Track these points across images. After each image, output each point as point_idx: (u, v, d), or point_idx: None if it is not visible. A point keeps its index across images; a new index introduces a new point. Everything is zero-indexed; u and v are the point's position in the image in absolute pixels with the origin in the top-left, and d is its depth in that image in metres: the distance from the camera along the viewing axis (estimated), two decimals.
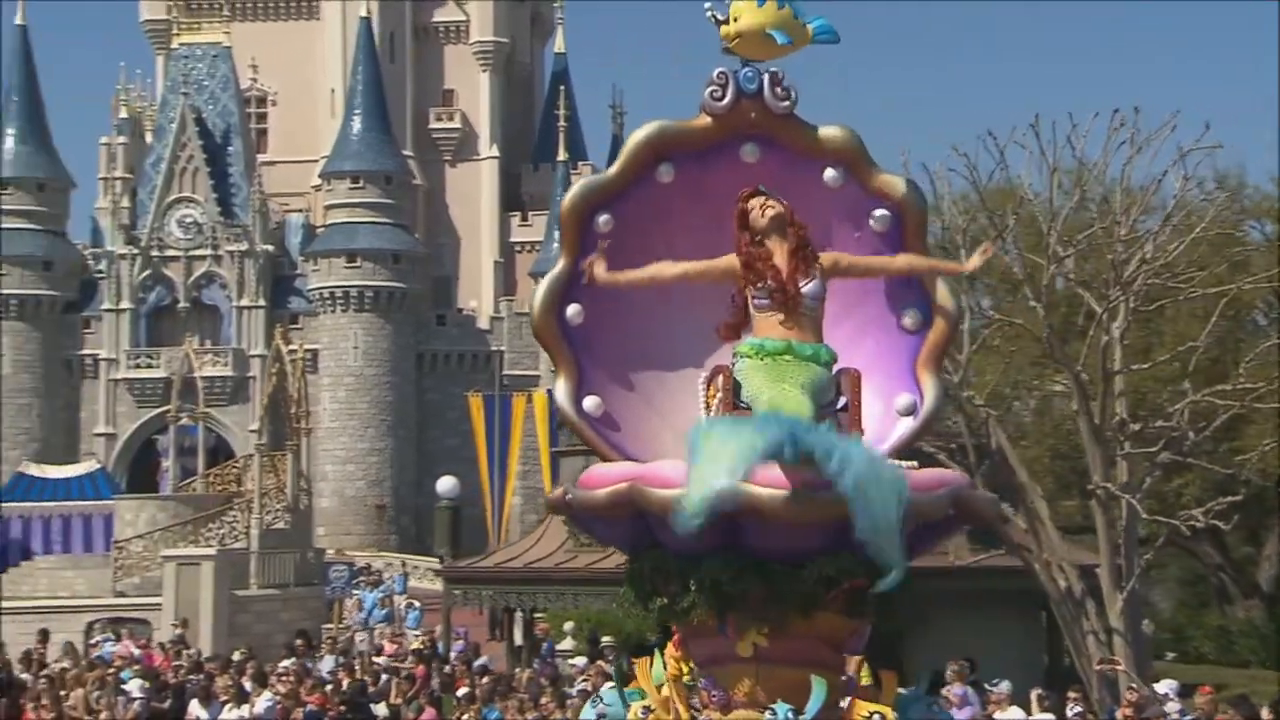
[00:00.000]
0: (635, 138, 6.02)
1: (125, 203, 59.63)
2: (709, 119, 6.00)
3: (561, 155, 60.82)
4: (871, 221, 6.07)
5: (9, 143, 59.86)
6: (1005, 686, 15.34)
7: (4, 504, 46.85)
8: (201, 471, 45.67)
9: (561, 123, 63.99)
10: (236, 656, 25.41)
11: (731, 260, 5.70)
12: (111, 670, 23.18)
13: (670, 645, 5.86)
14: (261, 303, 58.46)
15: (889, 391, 6.01)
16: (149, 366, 58.00)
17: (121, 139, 62.19)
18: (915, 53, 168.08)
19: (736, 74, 5.96)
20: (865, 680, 17.77)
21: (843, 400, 5.53)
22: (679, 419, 5.87)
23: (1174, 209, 18.68)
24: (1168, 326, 26.22)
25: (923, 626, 21.03)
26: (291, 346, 41.86)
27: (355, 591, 35.32)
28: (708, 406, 5.55)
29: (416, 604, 34.30)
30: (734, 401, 5.42)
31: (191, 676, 21.93)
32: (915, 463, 5.63)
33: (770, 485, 5.03)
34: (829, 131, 6.08)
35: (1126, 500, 17.44)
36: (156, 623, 35.26)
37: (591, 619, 24.54)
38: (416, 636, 29.34)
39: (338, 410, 57.64)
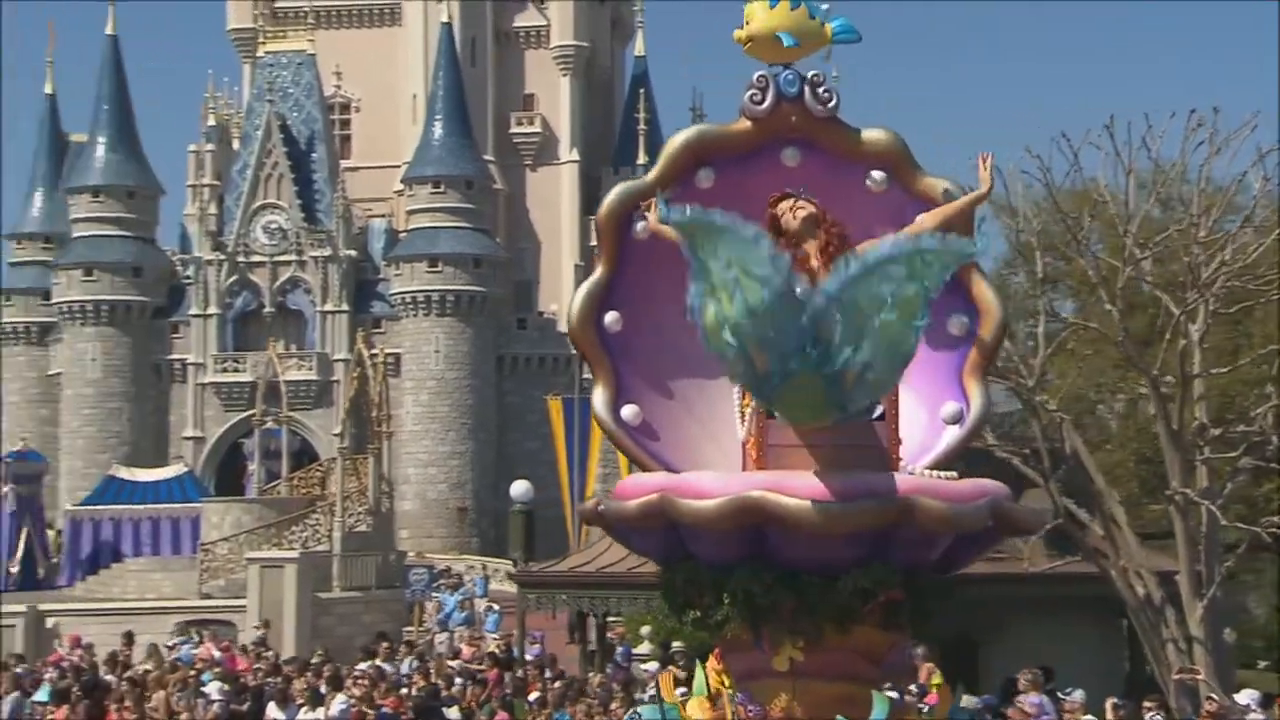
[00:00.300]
0: (674, 142, 5.95)
1: (213, 209, 60.38)
2: (749, 123, 5.92)
3: (641, 159, 60.77)
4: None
5: (100, 151, 60.74)
6: (1079, 695, 15.05)
7: (95, 507, 47.64)
8: (285, 475, 46.13)
9: (641, 126, 63.96)
10: (315, 659, 25.64)
11: None
12: (193, 672, 23.45)
13: (712, 658, 5.77)
14: (345, 307, 58.94)
15: (935, 400, 5.90)
16: (235, 371, 58.68)
17: (209, 146, 62.98)
18: (988, 53, 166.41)
19: (777, 77, 5.88)
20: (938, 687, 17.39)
21: (879, 409, 5.42)
22: (719, 427, 5.79)
23: (1254, 210, 18.27)
24: (1256, 329, 25.65)
25: (998, 633, 20.74)
26: (373, 351, 42.14)
27: (435, 594, 35.49)
28: (743, 415, 5.46)
29: (496, 607, 34.41)
30: (767, 410, 5.33)
31: (269, 679, 22.12)
32: (955, 473, 5.50)
33: (797, 496, 4.93)
34: (872, 134, 5.97)
35: (1206, 506, 17.07)
36: (241, 625, 35.68)
37: (668, 624, 24.45)
38: (495, 640, 29.43)
39: (420, 414, 57.99)
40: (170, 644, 28.61)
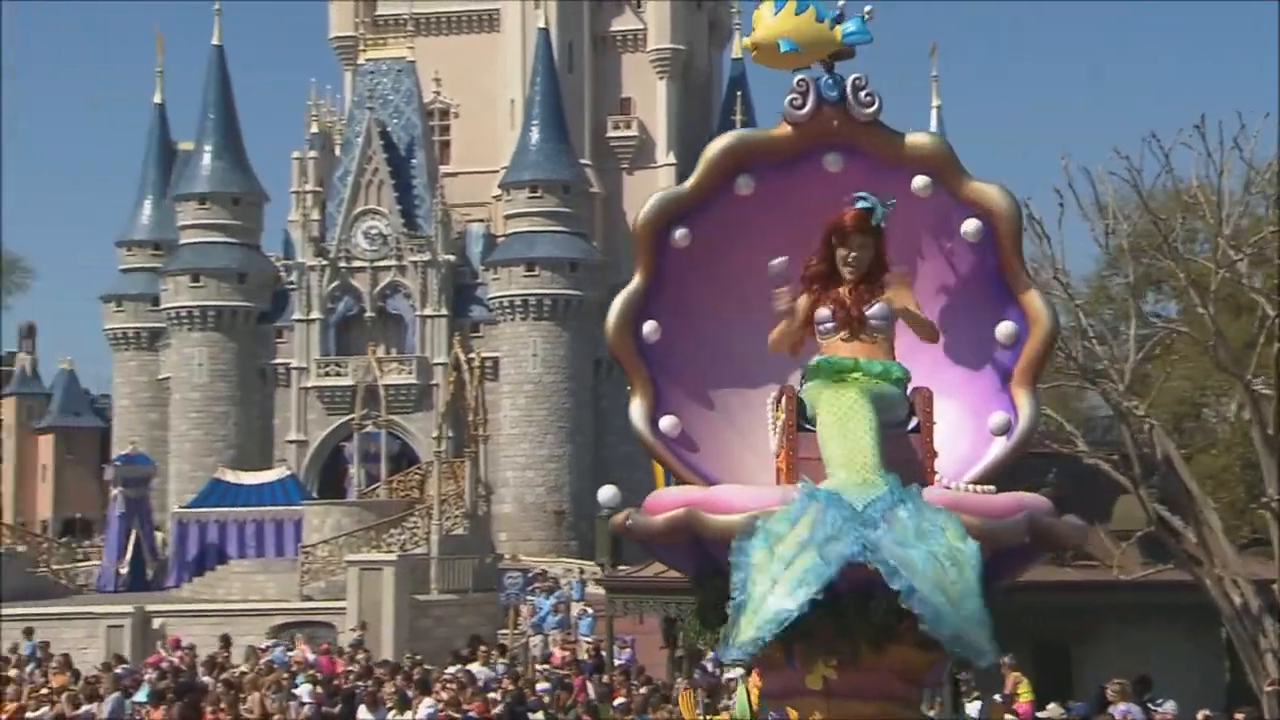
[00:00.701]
0: (712, 148, 5.82)
1: (315, 215, 61.16)
2: (791, 128, 5.79)
3: None
4: (963, 232, 5.79)
5: (206, 159, 61.82)
6: (1170, 706, 14.74)
7: (201, 509, 48.41)
8: (384, 478, 46.64)
9: (738, 128, 63.70)
10: (406, 661, 25.83)
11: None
12: (286, 675, 23.72)
13: (753, 675, 5.66)
14: (444, 312, 59.41)
15: (982, 410, 5.72)
16: (337, 375, 59.37)
17: (312, 153, 63.81)
18: (1073, 53, 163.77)
19: (818, 81, 5.74)
20: (1026, 697, 17.11)
21: (914, 421, 5.27)
22: (761, 439, 5.67)
23: None
24: None
25: (1091, 641, 20.37)
26: (469, 355, 42.44)
27: (530, 597, 35.59)
28: (775, 427, 5.34)
29: (590, 611, 34.44)
30: (799, 423, 5.20)
31: (360, 682, 22.31)
32: (993, 486, 5.33)
33: None
34: (916, 138, 5.81)
35: None
36: (341, 627, 36.07)
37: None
38: (588, 644, 29.44)
39: (518, 417, 58.28)
40: (263, 646, 29.00)
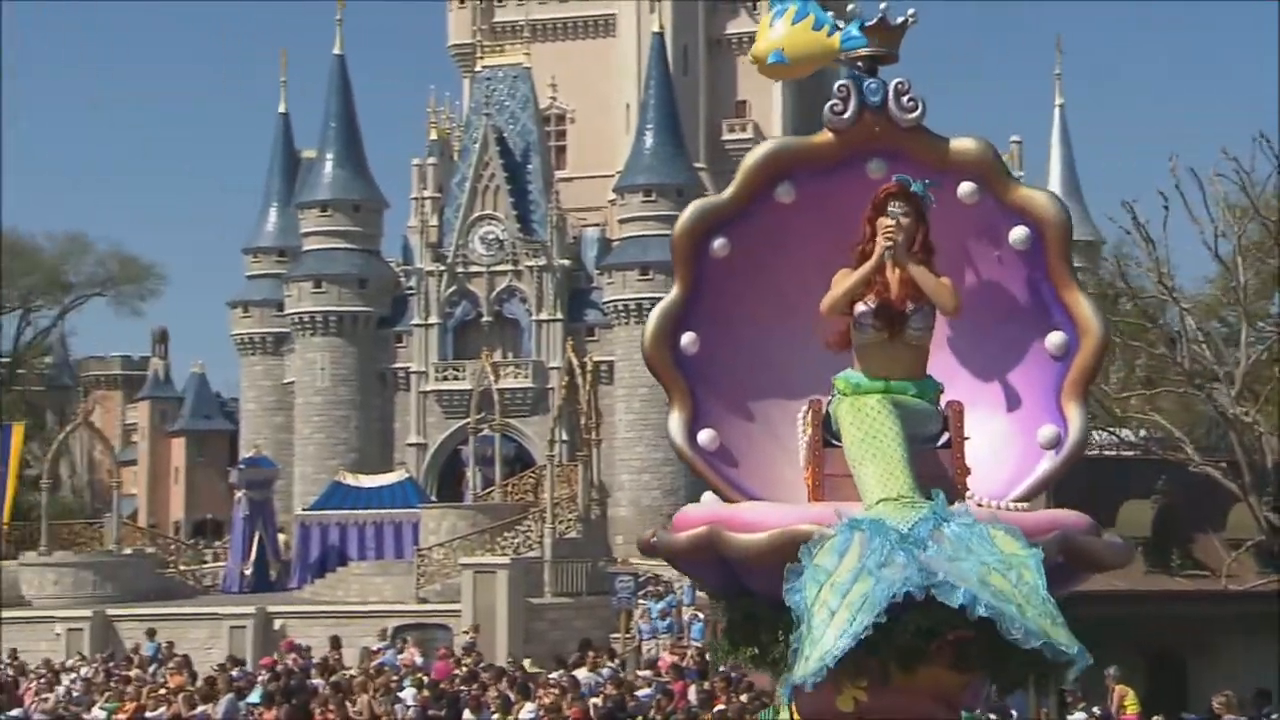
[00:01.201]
0: (752, 156, 5.73)
1: (433, 221, 61.78)
2: (832, 134, 5.67)
3: None
4: (1011, 240, 5.62)
5: (328, 167, 62.65)
6: None
7: (322, 512, 49.13)
8: (499, 481, 46.95)
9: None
10: (525, 664, 25.95)
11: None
12: (396, 678, 23.95)
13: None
14: (559, 316, 59.65)
15: (1032, 423, 5.55)
16: (455, 379, 59.88)
17: (431, 160, 64.46)
18: (1184, 52, 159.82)
19: (860, 85, 5.61)
20: (1132, 709, 16.66)
21: (944, 437, 5.11)
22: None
23: None
24: None
25: (1209, 654, 19.81)
26: (582, 359, 42.61)
27: (641, 601, 35.58)
28: (803, 443, 5.22)
29: (701, 615, 34.34)
30: (825, 438, 5.08)
31: (464, 686, 22.45)
32: (1028, 504, 5.16)
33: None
34: (962, 143, 5.66)
35: None
36: (456, 629, 36.37)
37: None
38: (697, 648, 29.33)
39: (633, 421, 58.32)
40: (375, 649, 29.34)
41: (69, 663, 30.21)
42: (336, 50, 64.92)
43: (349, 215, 62.30)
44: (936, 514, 4.78)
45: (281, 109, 69.50)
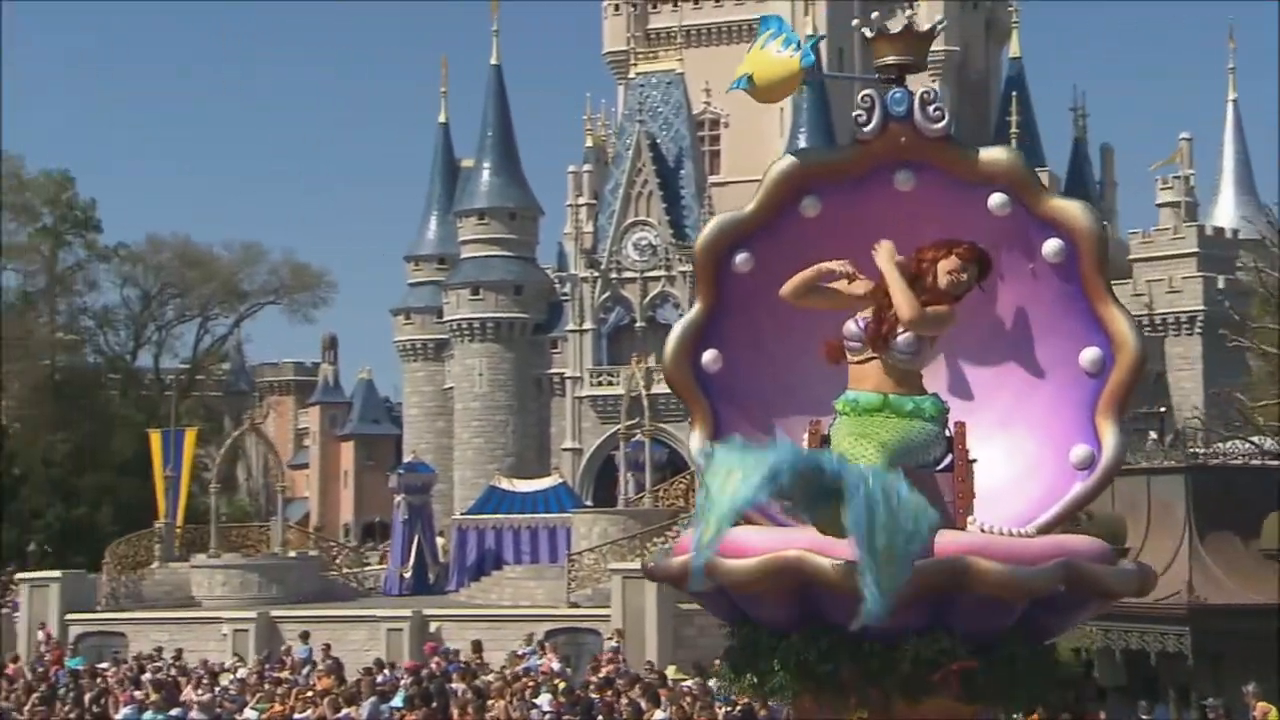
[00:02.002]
0: (775, 169, 5.63)
1: (588, 228, 62.17)
2: (857, 146, 5.53)
3: None
4: (1044, 252, 5.42)
5: (485, 175, 63.44)
6: None
7: (478, 516, 49.68)
8: (650, 487, 46.93)
9: (1013, 129, 62.04)
10: (669, 671, 25.91)
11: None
12: (532, 684, 24.08)
13: None
14: None
15: (1065, 443, 5.34)
16: (609, 384, 60.13)
17: (587, 167, 64.90)
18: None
19: (885, 97, 5.46)
20: None
21: (947, 459, 4.93)
22: None
23: None
24: None
25: None
26: None
27: None
28: None
29: None
30: None
31: (597, 693, 22.50)
32: (1034, 529, 4.95)
33: (833, 555, 4.53)
34: (991, 154, 5.48)
35: None
36: (606, 634, 36.44)
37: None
38: None
39: None
40: (520, 653, 29.54)
41: (226, 664, 30.92)
42: (493, 60, 65.74)
43: (505, 223, 63.02)
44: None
45: (441, 118, 70.61)
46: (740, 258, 5.56)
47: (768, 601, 4.54)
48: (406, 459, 56.39)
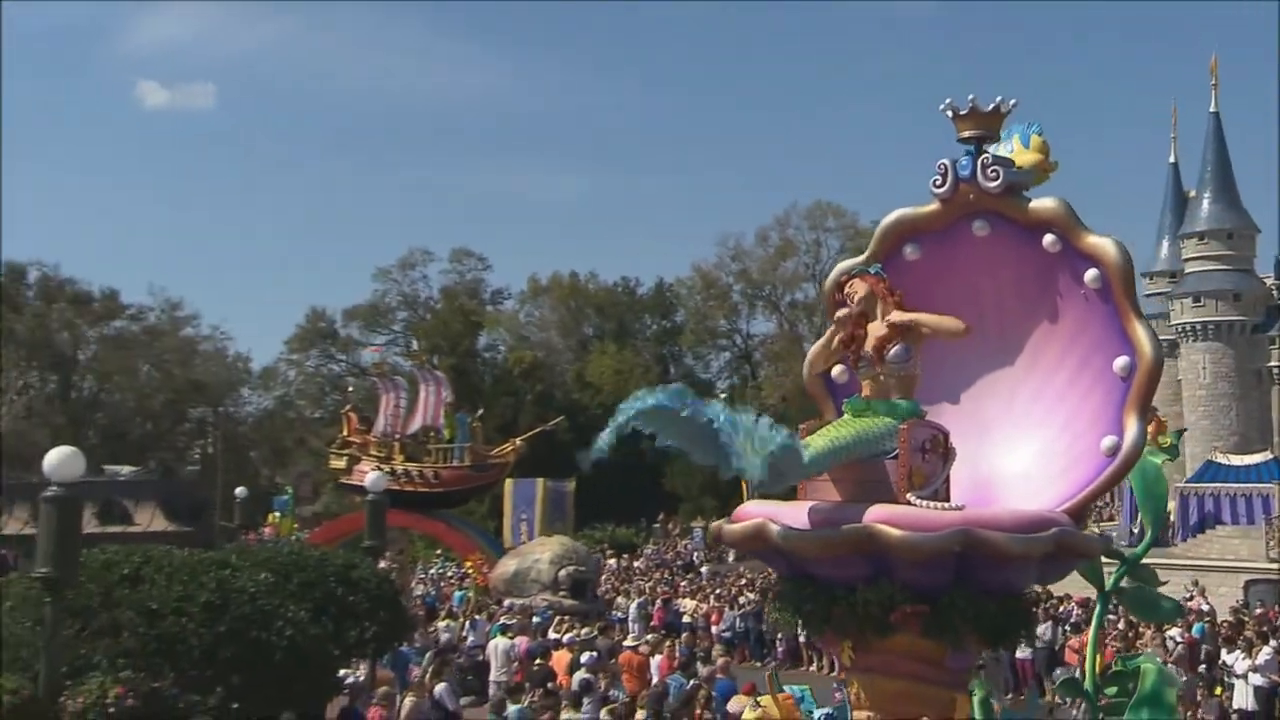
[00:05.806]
0: (882, 225, 5.57)
1: None
2: (939, 204, 5.35)
3: None
4: (1086, 279, 4.99)
5: (1205, 203, 58.59)
6: None
7: (1197, 484, 46.17)
8: None
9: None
10: None
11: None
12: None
13: None
14: None
15: (1098, 434, 4.91)
16: None
17: None
18: None
19: (955, 162, 5.26)
20: None
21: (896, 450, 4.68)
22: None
23: None
24: None
25: None
26: None
27: None
28: None
29: None
30: None
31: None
32: (937, 504, 4.57)
33: (780, 522, 4.53)
34: (1040, 203, 5.17)
35: None
36: None
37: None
38: None
39: None
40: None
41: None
42: (1211, 109, 60.18)
43: (1223, 242, 57.66)
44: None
45: (1171, 159, 65.76)
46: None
47: (767, 558, 4.64)
48: None
